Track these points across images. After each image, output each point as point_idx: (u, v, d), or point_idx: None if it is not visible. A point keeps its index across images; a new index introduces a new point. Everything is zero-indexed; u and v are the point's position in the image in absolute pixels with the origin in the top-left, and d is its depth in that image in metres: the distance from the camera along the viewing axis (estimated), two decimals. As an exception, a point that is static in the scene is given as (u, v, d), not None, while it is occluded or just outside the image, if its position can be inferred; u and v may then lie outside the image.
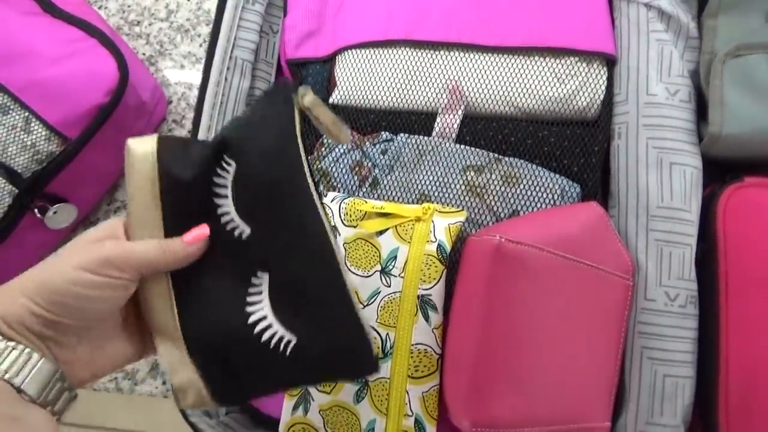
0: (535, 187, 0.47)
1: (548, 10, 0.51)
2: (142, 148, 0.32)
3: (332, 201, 0.47)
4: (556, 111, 0.49)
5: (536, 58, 0.50)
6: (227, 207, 0.32)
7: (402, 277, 0.43)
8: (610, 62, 0.50)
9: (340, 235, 0.46)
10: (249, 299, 0.32)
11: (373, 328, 0.42)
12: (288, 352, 0.30)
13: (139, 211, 0.32)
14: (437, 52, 0.51)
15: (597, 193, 0.48)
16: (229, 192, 0.32)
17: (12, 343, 0.27)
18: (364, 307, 0.43)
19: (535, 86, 0.49)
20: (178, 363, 0.32)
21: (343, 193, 0.50)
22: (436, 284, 0.42)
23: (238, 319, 0.31)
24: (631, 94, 0.48)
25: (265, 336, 0.31)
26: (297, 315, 0.31)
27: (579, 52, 0.49)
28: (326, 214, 0.32)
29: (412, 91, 0.51)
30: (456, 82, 0.50)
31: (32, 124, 0.56)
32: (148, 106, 0.64)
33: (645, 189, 0.45)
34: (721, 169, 0.47)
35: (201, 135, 0.52)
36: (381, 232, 0.44)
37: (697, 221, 0.45)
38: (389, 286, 0.43)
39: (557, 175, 0.47)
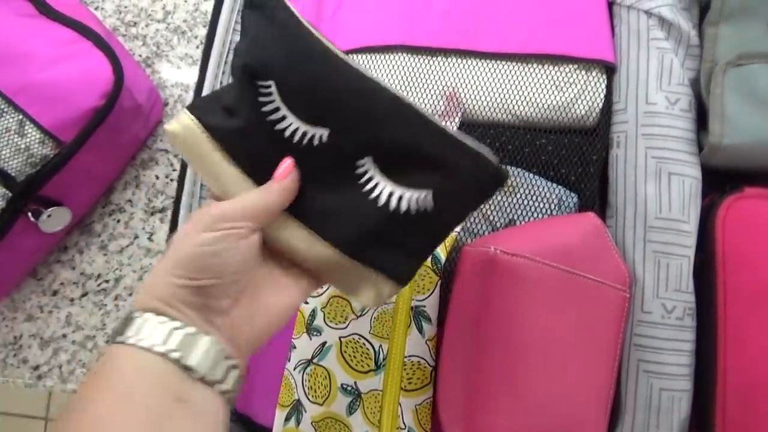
0: (531, 197, 0.46)
1: (547, 16, 0.50)
2: (181, 124, 0.32)
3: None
4: (554, 119, 0.49)
5: (534, 65, 0.49)
6: (293, 124, 0.32)
7: (396, 287, 0.42)
8: (609, 70, 0.49)
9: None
10: (367, 188, 0.32)
11: (366, 339, 0.42)
12: (430, 207, 0.31)
13: (220, 182, 0.33)
14: (434, 58, 0.51)
15: (594, 203, 0.47)
16: (284, 110, 0.32)
17: (176, 323, 0.28)
18: (357, 318, 0.43)
19: (533, 94, 0.49)
20: (353, 278, 0.32)
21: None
22: (430, 295, 0.42)
23: (369, 208, 0.32)
24: (631, 103, 0.47)
25: (403, 206, 0.31)
26: (416, 172, 0.31)
27: (578, 60, 0.49)
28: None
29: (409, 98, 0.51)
30: (453, 88, 0.50)
31: (26, 127, 0.56)
32: (144, 108, 0.63)
33: (643, 199, 0.45)
34: (720, 179, 0.46)
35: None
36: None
37: (696, 232, 0.44)
38: (383, 297, 0.42)
39: (554, 185, 0.46)
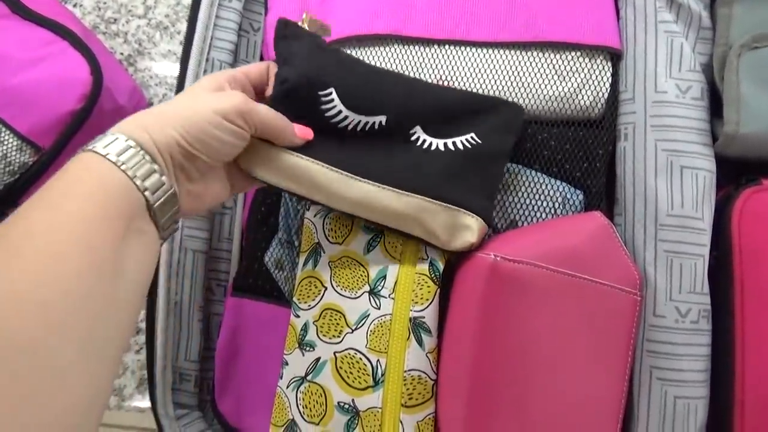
0: (533, 195, 0.43)
1: (547, 0, 0.47)
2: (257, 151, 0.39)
3: (316, 216, 0.44)
4: (556, 110, 0.46)
5: (534, 53, 0.46)
6: (355, 119, 0.40)
7: (392, 298, 0.40)
8: (614, 57, 0.46)
9: (324, 252, 0.43)
10: (425, 146, 0.41)
11: (362, 354, 0.40)
12: (476, 143, 0.41)
13: (303, 182, 0.39)
14: (427, 49, 0.48)
15: (601, 200, 0.44)
16: (345, 111, 0.40)
17: (156, 167, 0.31)
18: (353, 331, 0.40)
19: (533, 84, 0.46)
20: (441, 220, 0.39)
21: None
22: (429, 305, 0.39)
23: (431, 157, 0.40)
24: (638, 92, 0.44)
25: (459, 146, 0.41)
26: (456, 125, 0.42)
27: (580, 46, 0.46)
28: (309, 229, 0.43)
29: (402, 92, 0.48)
30: (447, 80, 0.47)
31: (2, 134, 0.53)
32: (126, 109, 0.61)
33: (654, 195, 0.42)
34: (736, 171, 0.43)
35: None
36: (369, 249, 0.41)
37: (710, 229, 0.41)
38: (379, 309, 0.40)
39: (558, 182, 0.44)
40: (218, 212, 0.52)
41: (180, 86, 0.49)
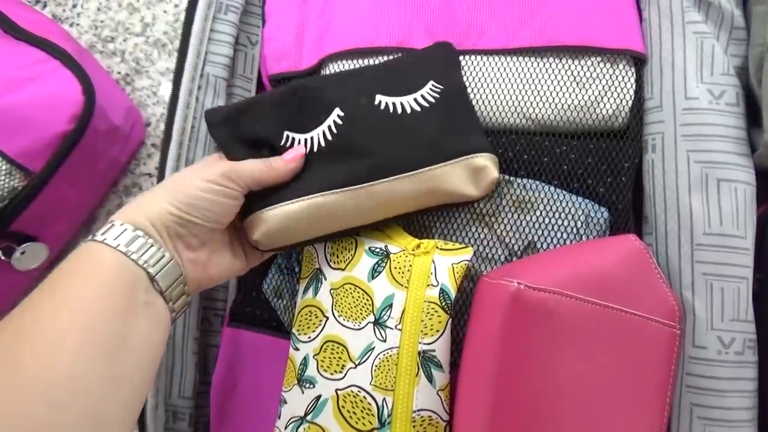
0: (553, 214, 0.40)
1: (563, 2, 0.43)
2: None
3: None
4: (576, 121, 0.42)
5: (550, 59, 0.43)
6: (317, 134, 0.40)
7: (399, 329, 0.36)
8: (638, 61, 0.42)
9: (326, 279, 0.39)
10: (398, 111, 0.40)
11: (367, 392, 0.36)
12: (441, 87, 0.41)
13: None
14: (435, 59, 0.44)
15: (629, 219, 0.40)
16: (302, 136, 0.40)
17: (152, 240, 0.33)
18: (356, 366, 0.36)
19: (550, 93, 0.42)
20: (457, 175, 0.38)
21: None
22: (439, 337, 0.35)
23: (412, 119, 0.40)
24: (666, 99, 0.40)
25: (429, 98, 0.40)
26: (413, 80, 0.41)
27: (600, 51, 0.42)
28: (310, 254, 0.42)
29: (408, 105, 0.45)
30: (457, 92, 0.43)
31: (-10, 158, 0.51)
32: (121, 129, 0.58)
33: (688, 212, 0.38)
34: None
35: (170, 164, 0.45)
36: (374, 275, 0.38)
37: (753, 248, 0.37)
38: (384, 341, 0.36)
39: (580, 198, 0.40)
40: (214, 236, 0.49)
41: (173, 102, 0.46)
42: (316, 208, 0.37)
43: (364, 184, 0.37)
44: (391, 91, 0.40)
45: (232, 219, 0.38)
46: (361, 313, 0.37)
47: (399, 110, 0.39)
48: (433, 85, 0.40)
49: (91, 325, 0.28)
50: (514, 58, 0.43)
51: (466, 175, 0.39)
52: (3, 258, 0.53)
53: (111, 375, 0.28)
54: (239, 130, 0.40)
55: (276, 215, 0.37)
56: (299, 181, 0.38)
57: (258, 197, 0.38)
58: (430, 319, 0.36)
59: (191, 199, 0.35)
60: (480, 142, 0.40)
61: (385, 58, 0.45)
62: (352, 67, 0.46)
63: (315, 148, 0.39)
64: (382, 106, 0.39)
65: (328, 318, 0.38)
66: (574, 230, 0.39)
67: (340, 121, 0.39)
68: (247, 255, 0.40)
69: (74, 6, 0.66)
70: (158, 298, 0.32)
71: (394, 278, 0.37)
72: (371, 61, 0.45)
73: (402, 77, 0.41)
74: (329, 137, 0.39)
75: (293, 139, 0.39)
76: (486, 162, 0.39)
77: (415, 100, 0.40)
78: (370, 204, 0.38)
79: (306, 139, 0.39)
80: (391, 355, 0.36)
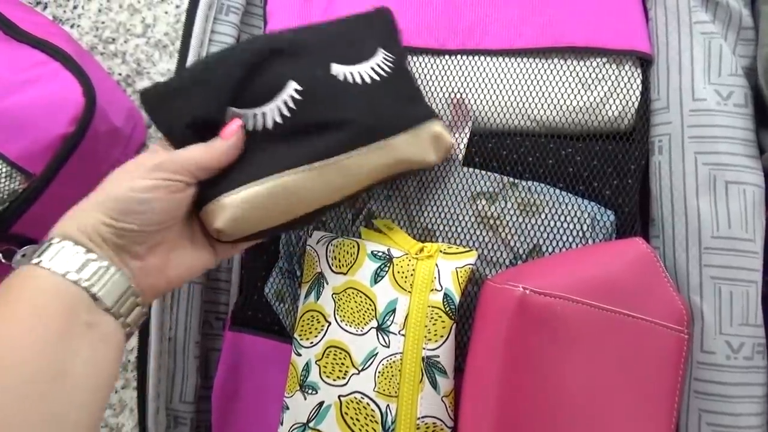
0: (559, 217, 0.39)
1: (567, 2, 0.43)
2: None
3: (318, 243, 0.40)
4: (581, 123, 0.41)
5: (555, 60, 0.42)
6: (271, 109, 0.36)
7: (402, 335, 0.35)
8: (644, 62, 0.42)
9: (328, 283, 0.39)
10: (356, 80, 0.38)
11: (370, 398, 0.35)
12: (393, 53, 0.41)
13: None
14: (438, 59, 0.44)
15: (635, 221, 0.40)
16: (254, 110, 0.36)
17: (92, 255, 0.29)
18: (359, 372, 0.36)
19: (555, 94, 0.42)
20: (417, 144, 0.39)
21: (334, 229, 0.43)
22: (443, 343, 0.35)
23: (373, 88, 0.39)
24: (673, 100, 0.39)
25: (384, 67, 0.40)
26: (362, 49, 0.40)
27: (606, 52, 0.41)
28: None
29: (411, 106, 0.44)
30: (460, 94, 0.43)
31: (-9, 161, 0.51)
32: (122, 131, 0.58)
33: (696, 215, 0.37)
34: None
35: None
36: (376, 279, 0.37)
37: (762, 251, 0.36)
38: (388, 347, 0.36)
39: (586, 201, 0.39)
40: (216, 239, 0.48)
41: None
42: (282, 189, 0.35)
43: (337, 157, 0.36)
44: (345, 59, 0.38)
45: (184, 213, 0.34)
46: (364, 319, 0.37)
47: (358, 80, 0.38)
48: (384, 54, 0.40)
49: (20, 359, 0.26)
50: (519, 60, 0.43)
51: (428, 141, 0.39)
52: (3, 261, 0.53)
53: (48, 413, 0.26)
54: (178, 110, 0.35)
55: (237, 200, 0.34)
56: (260, 161, 0.35)
57: (212, 184, 0.35)
58: (434, 324, 0.35)
59: (124, 203, 0.31)
60: (430, 109, 0.40)
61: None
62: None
63: (270, 125, 0.36)
64: (340, 77, 0.38)
65: (330, 323, 0.38)
66: (580, 234, 0.39)
67: (298, 96, 0.36)
68: (215, 247, 0.37)
69: (75, 7, 0.65)
70: (104, 316, 0.29)
71: (397, 283, 0.37)
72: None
73: (353, 45, 0.40)
74: (286, 113, 0.36)
75: (239, 115, 0.36)
76: (437, 127, 0.39)
77: (372, 69, 0.39)
78: (340, 179, 0.36)
79: (257, 114, 0.36)
80: (394, 361, 0.35)
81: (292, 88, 0.36)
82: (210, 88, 0.35)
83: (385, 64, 0.40)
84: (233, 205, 0.34)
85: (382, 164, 0.38)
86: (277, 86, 0.36)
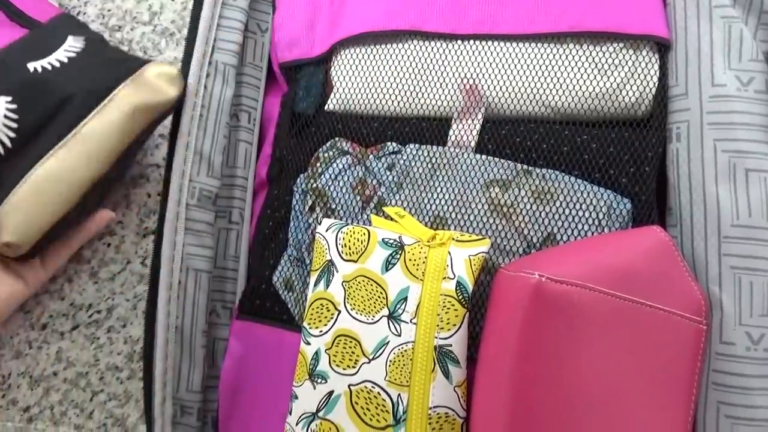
0: (574, 205, 0.38)
1: (584, -14, 0.42)
2: None
3: (328, 230, 0.39)
4: (597, 109, 0.41)
5: (570, 45, 0.41)
6: None
7: (414, 323, 0.35)
8: (662, 47, 0.41)
9: (338, 271, 0.38)
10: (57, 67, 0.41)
11: (381, 388, 0.35)
12: (81, 43, 0.44)
13: None
14: (450, 44, 0.43)
15: (652, 210, 0.39)
16: None
17: None
18: (370, 361, 0.35)
19: (571, 80, 0.41)
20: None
21: (344, 216, 0.42)
22: (456, 332, 0.34)
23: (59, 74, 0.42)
24: (692, 86, 0.39)
25: (72, 52, 0.43)
26: (46, 42, 0.44)
27: (623, 36, 0.41)
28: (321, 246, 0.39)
29: (422, 93, 0.43)
30: (473, 80, 0.42)
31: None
32: (129, 120, 0.57)
33: (715, 203, 0.36)
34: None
35: (179, 151, 0.44)
36: (388, 267, 0.37)
37: (783, 241, 0.36)
38: (399, 335, 0.35)
39: (602, 189, 0.39)
40: (224, 228, 0.48)
41: (182, 92, 0.45)
42: (43, 179, 0.37)
43: (75, 130, 0.39)
44: (38, 55, 0.42)
45: None
46: (375, 307, 0.36)
47: (57, 65, 0.41)
48: (74, 38, 0.44)
49: None
50: (533, 45, 0.42)
51: (155, 82, 0.41)
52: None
53: None
54: None
55: (9, 208, 0.37)
56: (12, 169, 0.38)
57: None
58: (446, 312, 0.34)
59: None
60: (141, 59, 0.44)
61: (400, 42, 0.44)
62: (365, 53, 0.45)
63: (9, 144, 0.39)
64: (40, 70, 0.40)
65: (340, 311, 0.37)
66: (596, 222, 0.38)
67: (13, 105, 0.39)
68: (22, 274, 0.37)
69: (81, -6, 0.65)
70: None
71: (408, 270, 0.36)
72: (385, 46, 0.44)
73: (42, 41, 0.43)
74: (13, 125, 0.39)
75: None
76: (159, 64, 0.43)
77: (66, 51, 0.42)
78: (93, 146, 0.39)
79: None
80: (406, 350, 0.35)
81: (3, 102, 0.39)
82: None
83: (78, 43, 0.43)
84: (8, 212, 0.37)
85: (122, 118, 0.40)
86: None
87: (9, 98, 0.39)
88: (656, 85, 0.40)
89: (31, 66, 0.40)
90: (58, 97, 0.39)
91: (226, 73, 0.46)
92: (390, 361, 0.35)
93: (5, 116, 0.39)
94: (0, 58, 0.42)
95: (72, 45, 0.43)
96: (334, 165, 0.43)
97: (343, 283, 0.37)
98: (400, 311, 0.35)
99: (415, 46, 0.44)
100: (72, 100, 0.40)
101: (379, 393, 0.35)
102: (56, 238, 0.40)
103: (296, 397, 0.38)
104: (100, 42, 0.45)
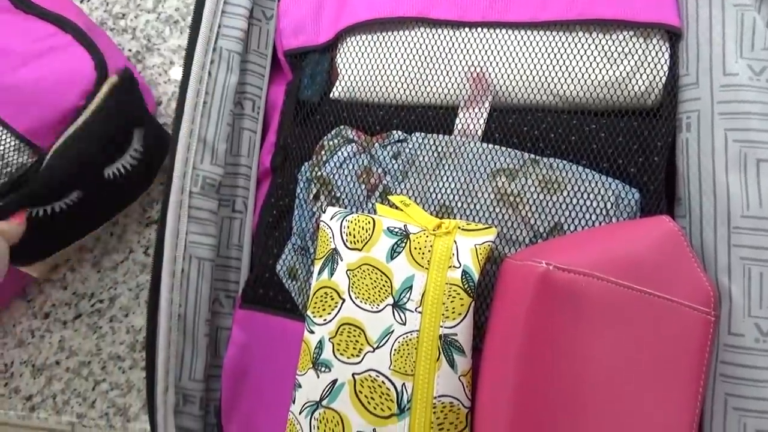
0: (581, 195, 0.38)
1: (594, -26, 0.41)
2: None
3: (332, 219, 0.39)
4: (606, 98, 0.40)
5: (580, 33, 0.41)
6: None
7: (419, 312, 0.34)
8: (673, 36, 0.40)
9: (342, 260, 0.38)
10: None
11: (385, 377, 0.34)
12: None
13: None
14: (458, 32, 0.43)
15: (661, 200, 0.38)
16: None
17: None
18: (374, 350, 0.35)
19: (579, 69, 0.40)
20: None
21: (349, 205, 0.42)
22: (462, 321, 0.34)
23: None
24: (703, 75, 0.38)
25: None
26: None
27: (633, 25, 0.40)
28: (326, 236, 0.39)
29: (429, 81, 0.43)
30: (481, 67, 0.41)
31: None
32: (133, 108, 0.57)
33: (725, 194, 0.36)
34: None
35: (182, 140, 0.44)
36: (393, 255, 0.36)
37: (794, 232, 0.35)
38: (404, 324, 0.35)
39: (610, 179, 0.38)
40: (227, 216, 0.47)
41: (185, 80, 0.45)
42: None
43: None
44: (110, 159, 0.49)
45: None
46: (380, 295, 0.36)
47: (123, 171, 0.50)
48: (139, 132, 0.50)
49: None
50: (542, 33, 0.41)
51: None
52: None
53: None
54: None
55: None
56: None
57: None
58: (452, 301, 0.34)
59: None
60: None
61: (406, 29, 0.44)
62: (371, 40, 0.44)
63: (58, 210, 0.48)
64: (112, 177, 0.49)
65: (344, 300, 0.37)
66: (603, 212, 0.37)
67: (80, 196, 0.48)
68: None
69: (85, -19, 0.64)
70: None
71: (414, 259, 0.36)
72: (391, 33, 0.44)
73: (112, 141, 0.49)
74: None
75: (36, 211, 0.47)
76: None
77: (131, 155, 0.50)
78: None
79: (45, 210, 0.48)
80: (410, 339, 0.34)
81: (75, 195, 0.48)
82: None
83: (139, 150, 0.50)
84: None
85: None
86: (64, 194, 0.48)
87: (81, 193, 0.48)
88: (666, 74, 0.39)
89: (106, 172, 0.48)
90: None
91: (230, 60, 0.46)
92: (395, 349, 0.34)
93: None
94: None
95: (139, 141, 0.50)
96: (339, 153, 0.43)
97: (348, 272, 0.37)
98: (405, 300, 0.35)
99: (421, 34, 0.43)
100: None
101: (383, 382, 0.34)
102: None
103: (300, 386, 0.37)
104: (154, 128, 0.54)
